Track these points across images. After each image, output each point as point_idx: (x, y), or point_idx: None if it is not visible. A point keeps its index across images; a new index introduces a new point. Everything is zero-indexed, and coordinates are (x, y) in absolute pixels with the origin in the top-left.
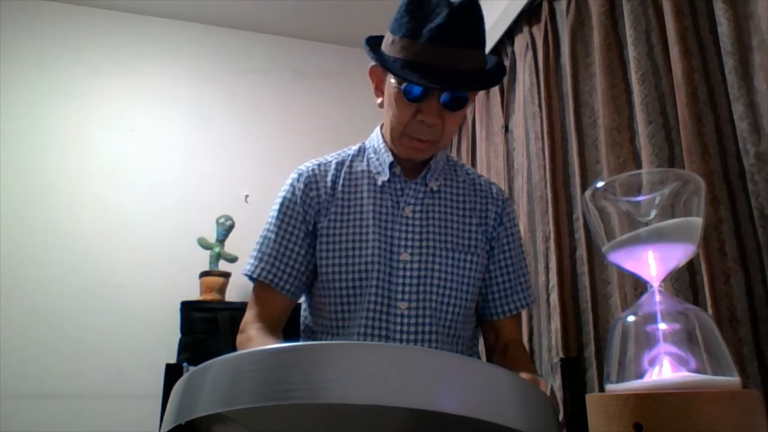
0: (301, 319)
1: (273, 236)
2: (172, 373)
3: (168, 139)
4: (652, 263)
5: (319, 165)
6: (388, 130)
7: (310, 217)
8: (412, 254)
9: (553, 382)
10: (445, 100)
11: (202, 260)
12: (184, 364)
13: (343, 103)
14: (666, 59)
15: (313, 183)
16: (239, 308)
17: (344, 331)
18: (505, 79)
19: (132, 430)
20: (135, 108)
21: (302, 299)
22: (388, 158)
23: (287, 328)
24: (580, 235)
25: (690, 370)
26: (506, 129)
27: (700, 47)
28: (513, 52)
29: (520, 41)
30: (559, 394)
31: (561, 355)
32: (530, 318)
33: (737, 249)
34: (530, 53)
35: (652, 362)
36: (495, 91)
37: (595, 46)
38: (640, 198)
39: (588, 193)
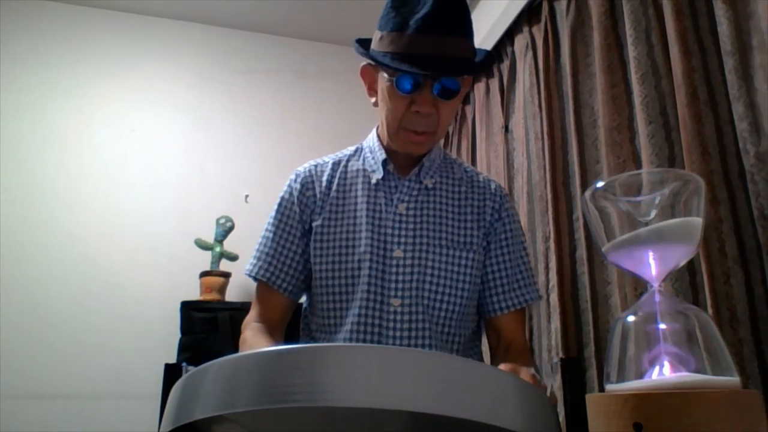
0: (302, 317)
1: (271, 236)
2: (172, 373)
3: (168, 139)
4: (652, 263)
5: (316, 166)
6: (384, 127)
7: (307, 217)
8: (405, 251)
9: (553, 382)
10: (437, 89)
11: (202, 260)
12: (184, 364)
13: (343, 103)
14: (666, 59)
15: (309, 183)
16: (239, 308)
17: (338, 329)
18: (505, 79)
19: (132, 430)
20: (135, 108)
21: (304, 299)
22: (381, 156)
23: (290, 329)
24: (580, 235)
25: (690, 370)
26: (506, 129)
27: (700, 47)
28: (513, 52)
29: (520, 41)
30: (559, 394)
31: (561, 355)
32: (530, 318)
33: (737, 249)
34: (530, 53)
35: (652, 362)
36: (495, 91)
37: (595, 46)
38: (640, 198)
39: (588, 193)
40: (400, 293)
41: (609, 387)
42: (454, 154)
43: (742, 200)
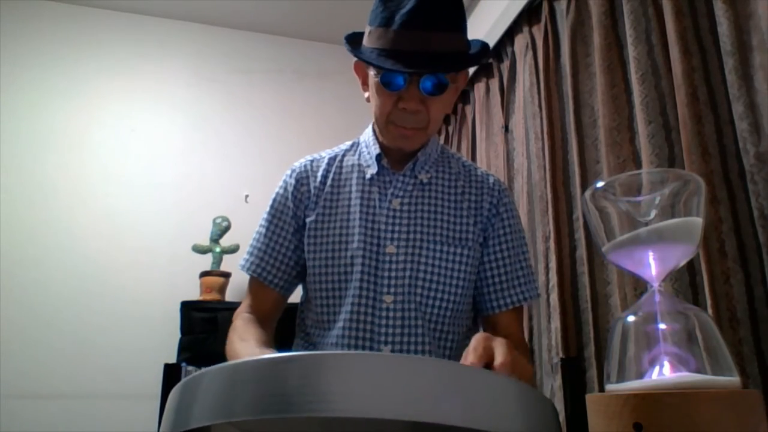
0: (298, 314)
1: (264, 231)
2: (172, 373)
3: (168, 139)
4: (652, 263)
5: (312, 161)
6: (375, 120)
7: (301, 212)
8: (398, 247)
9: (553, 382)
10: (425, 85)
11: (202, 260)
12: (184, 364)
13: (342, 103)
14: (666, 59)
15: (304, 179)
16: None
17: (332, 324)
18: (505, 79)
19: (131, 430)
20: (135, 108)
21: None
22: (376, 150)
23: (283, 326)
24: (580, 235)
25: (690, 370)
26: (506, 129)
27: (700, 47)
28: (513, 52)
29: (520, 41)
30: (559, 394)
31: (561, 355)
32: (530, 318)
33: (737, 249)
34: (530, 53)
35: (652, 362)
36: (495, 91)
37: (595, 46)
38: (640, 198)
39: (588, 193)
40: (392, 290)
41: (609, 387)
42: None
43: (742, 200)
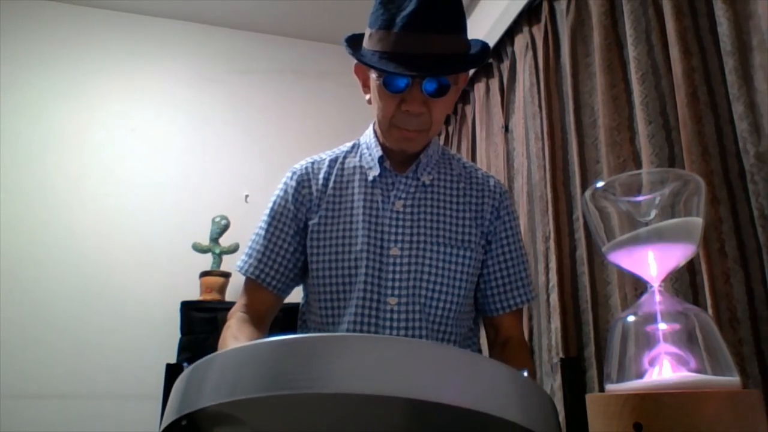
0: (299, 315)
1: (263, 233)
2: (172, 373)
3: (168, 139)
4: (652, 263)
5: (312, 163)
6: (377, 124)
7: (302, 215)
8: (402, 249)
9: (553, 382)
10: (427, 87)
11: (202, 260)
12: (184, 364)
13: (343, 103)
14: (666, 59)
15: (305, 181)
16: None
17: (335, 327)
18: (505, 79)
19: (132, 430)
20: (135, 108)
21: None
22: (378, 152)
23: (285, 328)
24: (580, 235)
25: (690, 370)
26: (506, 129)
27: (700, 47)
28: (513, 52)
29: (520, 41)
30: (559, 394)
31: (561, 355)
32: (530, 318)
33: (737, 249)
34: (530, 53)
35: (652, 362)
36: (495, 91)
37: (595, 46)
38: (640, 198)
39: (588, 193)
40: (396, 292)
41: (609, 387)
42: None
43: (742, 200)
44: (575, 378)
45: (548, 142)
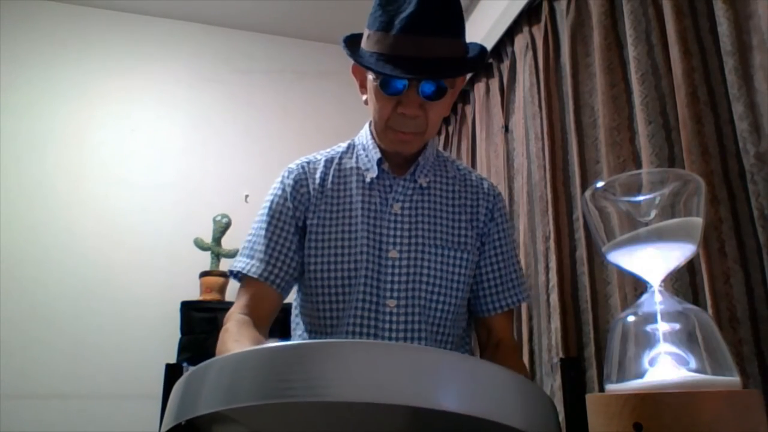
0: (292, 317)
1: (263, 233)
2: (172, 373)
3: (168, 139)
4: (652, 263)
5: (308, 162)
6: (374, 123)
7: (300, 214)
8: (400, 251)
9: (553, 382)
10: (424, 90)
11: (202, 260)
12: (184, 364)
13: (342, 103)
14: (666, 59)
15: (302, 180)
16: None
17: (333, 330)
18: (505, 79)
19: (132, 430)
20: (135, 108)
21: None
22: (376, 155)
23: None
24: (580, 235)
25: (690, 370)
26: (506, 129)
27: (700, 47)
28: (513, 52)
29: (520, 41)
30: (559, 394)
31: (561, 355)
32: (530, 318)
33: (737, 249)
34: (530, 53)
35: (652, 362)
36: (495, 91)
37: (595, 46)
38: (640, 198)
39: (588, 193)
40: (395, 294)
41: (609, 387)
42: (454, 154)
43: (742, 200)
44: (575, 378)
45: (548, 142)
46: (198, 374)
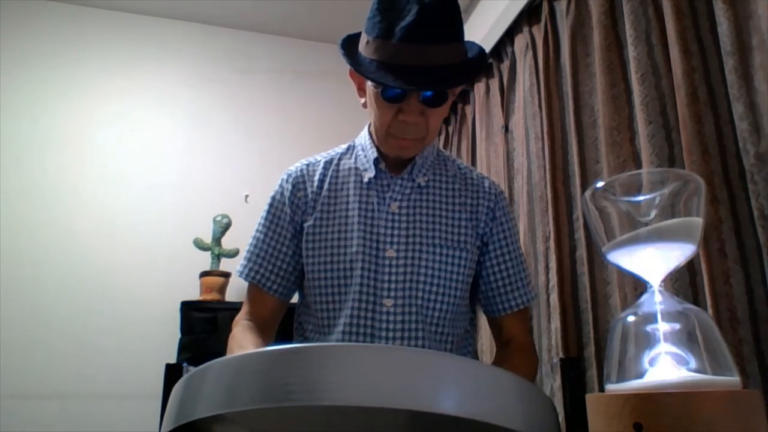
0: (295, 317)
1: (262, 237)
2: (172, 373)
3: (168, 139)
4: (652, 263)
5: (308, 165)
6: (373, 130)
7: (298, 217)
8: (398, 250)
9: (553, 382)
10: (425, 97)
11: (202, 260)
12: (184, 364)
13: (342, 103)
14: (666, 59)
15: (300, 183)
16: (239, 308)
17: (331, 330)
18: (505, 79)
19: (132, 430)
20: (135, 108)
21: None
22: (373, 154)
23: (281, 329)
24: (580, 235)
25: (690, 370)
26: (506, 129)
27: (700, 47)
28: (513, 52)
29: (520, 41)
30: (559, 394)
31: (561, 355)
32: (530, 318)
33: (737, 249)
34: (530, 53)
35: (652, 362)
36: (495, 91)
37: (595, 46)
38: (640, 198)
39: (588, 193)
40: (392, 293)
41: (609, 387)
42: (454, 154)
43: (742, 200)
44: (575, 378)
45: (548, 142)
46: (196, 377)
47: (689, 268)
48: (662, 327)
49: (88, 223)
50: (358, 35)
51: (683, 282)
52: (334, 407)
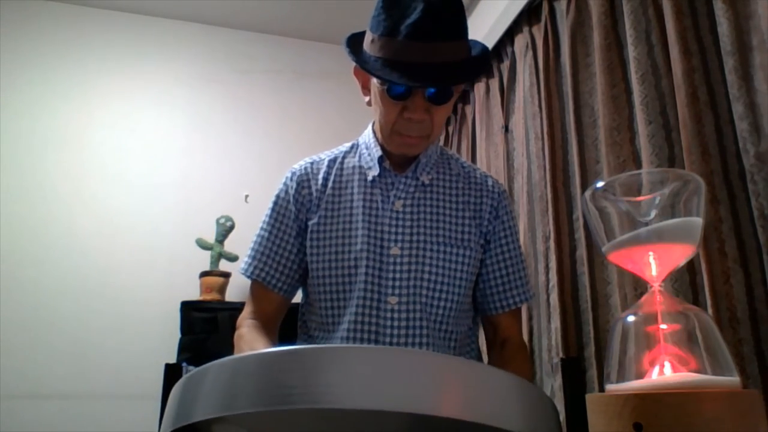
0: (299, 316)
1: (266, 235)
2: (172, 373)
3: (168, 139)
4: (652, 263)
5: (312, 163)
6: (378, 128)
7: (303, 215)
8: (402, 248)
9: (553, 382)
10: (430, 94)
11: (202, 260)
12: (184, 364)
13: (343, 103)
14: (666, 59)
15: (305, 182)
16: (239, 308)
17: (336, 328)
18: (505, 79)
19: (132, 430)
20: (135, 108)
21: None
22: (377, 153)
23: (285, 328)
24: (580, 235)
25: (690, 370)
26: (506, 129)
27: (700, 47)
28: (513, 52)
29: (520, 41)
30: (559, 394)
31: (561, 355)
32: (530, 318)
33: (737, 249)
34: (530, 53)
35: (653, 362)
36: (495, 91)
37: (595, 46)
38: (640, 198)
39: (588, 193)
40: (397, 291)
41: (609, 387)
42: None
43: (742, 200)
44: (575, 378)
45: (548, 142)
46: (195, 379)
47: (689, 268)
48: (662, 327)
49: (88, 222)
50: (362, 34)
51: (683, 282)
52: (334, 410)
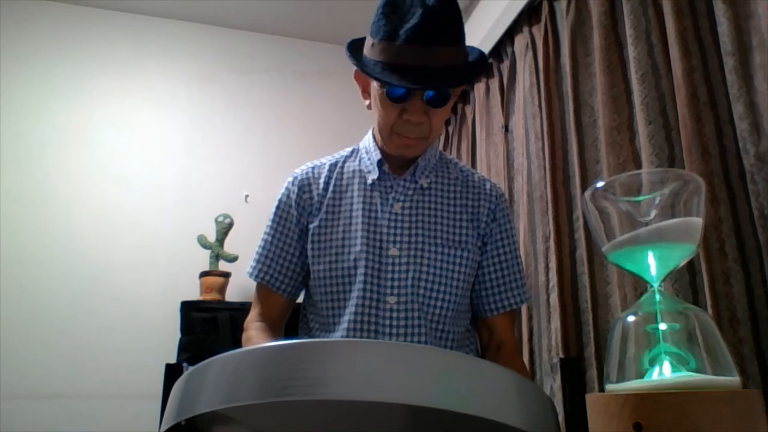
0: (300, 315)
1: (270, 239)
2: (172, 373)
3: (168, 139)
4: (652, 263)
5: (313, 168)
6: (377, 130)
7: (304, 219)
8: (400, 249)
9: (553, 382)
10: (428, 97)
11: (202, 260)
12: (184, 364)
13: (342, 103)
14: (666, 59)
15: (306, 186)
16: (239, 308)
17: (335, 327)
18: (505, 79)
19: (132, 430)
20: (135, 108)
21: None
22: (377, 156)
23: (286, 328)
24: (580, 235)
25: (690, 370)
26: (506, 129)
27: (700, 47)
28: (513, 52)
29: (520, 41)
30: (559, 394)
31: (561, 355)
32: (530, 318)
33: (737, 249)
34: (530, 53)
35: (652, 362)
36: (495, 91)
37: (595, 46)
38: (640, 198)
39: (588, 193)
40: (395, 291)
41: (609, 387)
42: (454, 154)
43: (742, 200)
44: (575, 378)
45: (548, 142)
46: (198, 373)
47: (689, 268)
48: (662, 327)
49: (88, 222)
50: (362, 40)
51: (683, 282)
52: (335, 404)
